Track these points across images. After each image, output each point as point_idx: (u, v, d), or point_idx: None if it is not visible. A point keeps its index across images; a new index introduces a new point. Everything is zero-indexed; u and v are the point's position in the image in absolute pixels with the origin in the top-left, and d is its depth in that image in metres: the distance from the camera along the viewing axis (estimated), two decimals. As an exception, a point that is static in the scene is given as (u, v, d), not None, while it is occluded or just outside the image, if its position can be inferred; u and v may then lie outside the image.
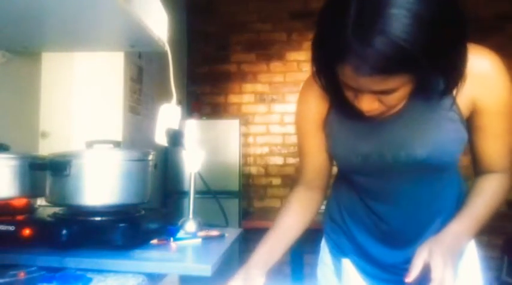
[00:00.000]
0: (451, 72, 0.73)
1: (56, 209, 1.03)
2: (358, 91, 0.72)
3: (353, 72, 0.66)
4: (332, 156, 0.95)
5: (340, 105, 0.84)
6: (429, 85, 0.77)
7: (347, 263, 0.98)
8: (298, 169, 1.02)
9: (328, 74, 0.75)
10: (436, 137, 0.81)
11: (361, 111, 0.75)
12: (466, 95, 0.80)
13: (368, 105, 0.73)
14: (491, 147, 0.86)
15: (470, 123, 0.84)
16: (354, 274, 0.97)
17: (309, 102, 0.95)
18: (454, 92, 0.78)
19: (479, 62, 0.80)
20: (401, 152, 0.83)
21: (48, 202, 1.02)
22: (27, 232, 0.90)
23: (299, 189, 1.00)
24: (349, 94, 0.75)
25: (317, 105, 0.93)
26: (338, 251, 1.02)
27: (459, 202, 0.91)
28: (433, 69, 0.66)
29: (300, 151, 1.01)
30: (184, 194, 2.81)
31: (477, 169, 0.91)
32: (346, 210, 1.00)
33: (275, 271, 0.94)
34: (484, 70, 0.80)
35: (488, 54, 0.82)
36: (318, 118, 0.94)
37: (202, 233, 1.09)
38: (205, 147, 1.26)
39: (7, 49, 1.32)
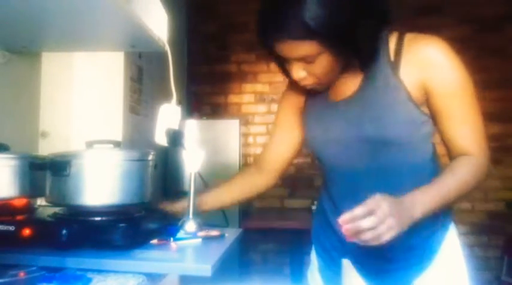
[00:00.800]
0: (361, 52, 0.85)
1: (56, 209, 1.03)
2: (287, 63, 0.89)
3: (273, 41, 0.84)
4: (305, 141, 1.09)
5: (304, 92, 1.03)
6: (344, 60, 0.88)
7: (347, 263, 0.98)
8: (258, 156, 1.22)
9: (273, 55, 0.91)
10: (382, 114, 0.88)
11: (296, 81, 0.91)
12: (414, 78, 0.88)
13: (296, 73, 0.89)
14: (456, 132, 0.89)
15: (429, 107, 0.90)
16: (354, 274, 0.97)
17: (291, 93, 1.12)
18: (401, 76, 0.87)
19: (425, 47, 0.87)
20: (355, 129, 0.92)
21: (48, 202, 1.02)
22: (27, 232, 0.89)
23: (250, 168, 1.20)
24: (287, 67, 0.91)
25: (296, 100, 1.10)
26: (322, 250, 1.06)
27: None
28: (337, 43, 0.81)
29: (270, 139, 1.18)
30: (184, 194, 2.81)
31: (449, 154, 0.93)
32: (328, 208, 1.05)
33: (275, 271, 0.96)
34: (428, 54, 0.87)
35: (435, 41, 0.88)
36: (296, 103, 1.10)
37: (202, 233, 1.09)
38: (205, 147, 1.26)
39: (7, 49, 1.32)
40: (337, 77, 0.93)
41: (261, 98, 3.64)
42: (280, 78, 3.67)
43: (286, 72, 0.95)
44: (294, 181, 3.52)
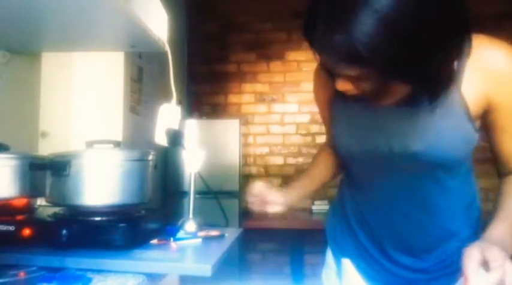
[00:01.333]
0: (429, 84, 0.69)
1: (56, 209, 1.03)
2: (334, 73, 0.74)
3: (323, 56, 0.71)
4: (332, 136, 0.97)
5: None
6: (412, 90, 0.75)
7: (347, 263, 0.98)
8: (327, 135, 1.15)
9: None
10: (434, 131, 0.78)
11: (339, 89, 0.77)
12: (478, 91, 0.76)
13: (342, 85, 0.75)
14: (510, 147, 0.82)
15: (486, 121, 0.81)
16: (353, 274, 0.97)
17: (317, 80, 1.00)
18: (462, 88, 0.75)
19: (492, 55, 0.76)
20: (396, 143, 0.81)
21: (48, 202, 1.02)
22: (27, 232, 0.89)
23: (325, 147, 1.14)
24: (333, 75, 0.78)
25: (323, 86, 0.97)
26: (340, 253, 1.03)
27: (471, 208, 0.89)
28: (399, 75, 0.65)
29: (322, 121, 1.09)
30: (184, 194, 2.81)
31: (499, 170, 0.86)
32: (352, 211, 1.00)
33: (275, 271, 0.95)
34: (497, 64, 0.75)
35: (502, 47, 0.77)
36: (322, 97, 0.99)
37: (202, 233, 1.09)
38: (205, 147, 1.26)
39: (7, 49, 1.32)
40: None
41: (261, 98, 3.64)
42: (280, 78, 3.68)
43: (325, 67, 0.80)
44: (294, 181, 3.52)
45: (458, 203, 0.88)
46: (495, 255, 0.65)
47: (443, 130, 0.78)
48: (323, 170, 1.12)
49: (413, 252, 0.90)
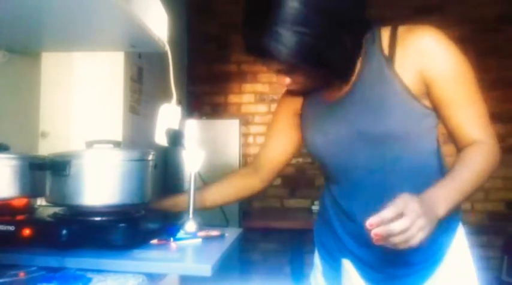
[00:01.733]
0: (336, 71, 0.84)
1: (56, 209, 1.03)
2: (275, 72, 0.89)
3: (250, 53, 0.85)
4: (303, 141, 1.08)
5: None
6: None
7: (347, 263, 0.98)
8: (254, 157, 1.20)
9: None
10: (382, 109, 0.87)
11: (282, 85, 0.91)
12: (412, 70, 0.86)
13: (281, 80, 0.90)
14: (460, 118, 0.86)
15: (431, 98, 0.88)
16: (353, 274, 0.97)
17: (288, 96, 1.11)
18: (397, 70, 0.86)
19: (419, 37, 0.86)
20: (354, 125, 0.90)
21: (48, 202, 1.02)
22: (27, 232, 0.89)
23: (247, 168, 1.20)
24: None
25: (293, 101, 1.09)
26: (325, 252, 1.05)
27: None
28: (309, 67, 0.82)
29: (265, 139, 1.19)
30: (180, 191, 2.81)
31: (457, 145, 0.90)
32: (332, 209, 1.03)
33: (275, 271, 0.96)
34: (423, 44, 0.85)
35: (429, 30, 0.86)
36: (293, 106, 1.09)
37: (202, 233, 1.09)
38: (205, 147, 1.26)
39: (7, 49, 1.32)
40: (324, 83, 0.93)
41: (261, 98, 3.64)
42: (280, 78, 3.68)
43: None
44: (294, 181, 3.52)
45: (422, 176, 0.91)
46: (413, 208, 0.68)
47: (390, 107, 0.87)
48: (224, 187, 1.19)
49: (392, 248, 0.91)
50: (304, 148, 1.11)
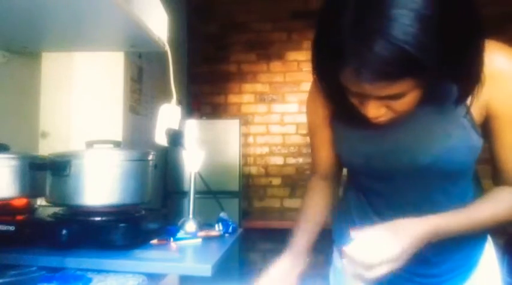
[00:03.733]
0: (465, 78, 0.66)
1: (56, 209, 1.03)
2: (363, 97, 0.67)
3: (354, 78, 0.60)
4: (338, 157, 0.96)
5: (344, 108, 0.77)
6: (440, 91, 0.72)
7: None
8: (312, 162, 1.06)
9: (329, 78, 0.71)
10: (441, 144, 0.75)
11: (368, 117, 0.70)
12: (479, 97, 0.71)
13: (374, 111, 0.68)
14: (509, 157, 0.77)
15: (486, 128, 0.77)
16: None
17: (318, 98, 0.93)
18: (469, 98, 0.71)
19: (493, 59, 0.70)
20: (403, 158, 0.79)
21: (48, 202, 1.02)
22: (27, 231, 0.90)
23: (315, 180, 1.04)
24: (354, 100, 0.70)
25: (323, 106, 0.93)
26: None
27: None
28: (442, 74, 0.62)
29: (311, 146, 1.03)
30: (184, 194, 2.81)
31: (495, 180, 0.83)
32: (356, 213, 0.97)
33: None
34: (498, 68, 0.71)
35: (503, 50, 0.73)
36: (327, 113, 0.93)
37: (202, 233, 1.09)
38: (205, 147, 1.26)
39: (7, 49, 1.32)
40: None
41: (261, 98, 3.64)
42: (280, 78, 3.68)
43: (333, 98, 0.79)
44: (294, 181, 3.52)
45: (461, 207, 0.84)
46: (390, 252, 0.67)
47: (451, 141, 0.74)
48: (321, 212, 1.02)
49: (421, 258, 0.88)
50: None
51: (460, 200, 0.81)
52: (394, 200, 0.86)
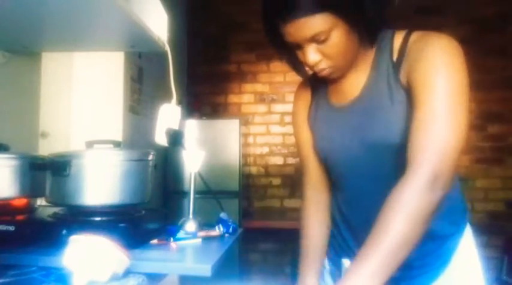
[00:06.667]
0: (370, 20, 0.80)
1: (56, 209, 1.03)
2: (300, 47, 0.82)
3: (283, 23, 0.78)
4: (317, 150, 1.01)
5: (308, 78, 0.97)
6: (355, 35, 0.81)
7: (347, 263, 0.98)
8: (303, 173, 1.06)
9: (280, 44, 0.85)
10: (387, 119, 0.82)
11: (309, 67, 0.85)
12: (406, 74, 0.80)
13: (310, 56, 0.81)
14: (412, 133, 0.73)
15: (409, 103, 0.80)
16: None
17: (299, 100, 1.06)
18: (401, 76, 0.81)
19: (425, 45, 0.78)
20: (357, 135, 0.87)
21: (48, 202, 1.02)
22: (27, 231, 0.90)
23: (310, 194, 1.05)
24: (298, 54, 0.85)
25: (305, 103, 1.03)
26: (333, 253, 1.05)
27: (452, 205, 0.88)
28: (349, 11, 0.76)
29: (300, 154, 1.07)
30: (184, 194, 2.81)
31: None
32: (337, 212, 1.02)
33: (275, 271, 0.95)
34: (422, 44, 0.79)
35: (440, 38, 0.78)
36: (306, 113, 1.03)
37: (202, 233, 1.09)
38: (205, 147, 1.26)
39: (7, 49, 1.32)
40: (351, 62, 0.86)
41: (261, 98, 3.64)
42: (280, 78, 3.68)
43: (298, 67, 0.93)
44: (294, 181, 3.52)
45: None
46: None
47: (393, 117, 0.81)
48: (323, 230, 1.03)
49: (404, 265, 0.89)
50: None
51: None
52: (362, 191, 0.91)
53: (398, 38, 0.85)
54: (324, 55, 0.82)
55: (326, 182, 1.05)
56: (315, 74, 0.91)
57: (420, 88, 0.75)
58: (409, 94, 0.79)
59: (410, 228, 0.69)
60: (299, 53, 0.85)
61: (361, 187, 0.92)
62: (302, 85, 1.07)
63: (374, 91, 0.86)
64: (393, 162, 0.85)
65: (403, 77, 0.81)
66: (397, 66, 0.82)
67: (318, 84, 1.00)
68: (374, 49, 0.87)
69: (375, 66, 0.87)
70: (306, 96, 1.05)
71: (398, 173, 0.81)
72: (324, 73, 0.86)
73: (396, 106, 0.82)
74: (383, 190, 0.84)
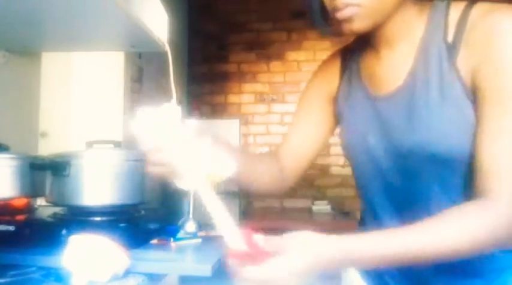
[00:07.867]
0: None
1: (56, 209, 1.03)
2: None
3: None
4: (343, 144, 0.84)
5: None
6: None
7: (351, 271, 0.97)
8: (279, 147, 0.93)
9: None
10: (431, 119, 0.65)
11: (337, 15, 0.65)
12: (471, 65, 0.62)
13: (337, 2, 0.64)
14: (484, 150, 0.60)
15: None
16: (355, 275, 0.97)
17: (324, 71, 0.88)
18: (458, 63, 0.63)
19: (491, 20, 0.60)
20: (393, 138, 0.71)
21: (48, 202, 1.02)
22: (27, 231, 0.90)
23: (274, 157, 0.91)
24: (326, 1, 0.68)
25: (332, 78, 0.86)
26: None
27: None
28: None
29: (292, 122, 0.92)
30: (184, 194, 2.81)
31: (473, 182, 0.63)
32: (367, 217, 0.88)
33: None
34: (492, 26, 0.60)
35: (507, 11, 0.60)
36: (326, 94, 0.86)
37: (202, 233, 1.09)
38: (205, 147, 1.26)
39: (7, 49, 1.32)
40: (387, 12, 0.66)
41: (261, 98, 3.64)
42: (280, 78, 3.68)
43: (321, 22, 0.75)
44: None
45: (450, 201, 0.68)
46: (282, 260, 0.57)
47: (443, 121, 0.64)
48: (260, 164, 0.89)
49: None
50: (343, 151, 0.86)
51: (460, 195, 0.66)
52: (388, 196, 0.77)
53: (455, 12, 0.65)
54: None
55: (290, 169, 0.89)
56: (345, 48, 0.81)
57: (495, 93, 0.59)
58: (467, 88, 0.62)
59: (458, 243, 0.57)
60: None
61: (388, 194, 0.75)
62: (331, 58, 0.88)
63: (421, 79, 0.67)
64: (432, 175, 0.68)
65: (461, 66, 0.63)
66: (453, 49, 0.64)
67: (350, 63, 0.82)
68: (424, 25, 0.68)
69: (424, 48, 0.67)
70: (334, 69, 0.85)
71: (441, 203, 0.66)
72: (347, 12, 0.64)
73: (448, 103, 0.64)
74: (411, 204, 0.69)
